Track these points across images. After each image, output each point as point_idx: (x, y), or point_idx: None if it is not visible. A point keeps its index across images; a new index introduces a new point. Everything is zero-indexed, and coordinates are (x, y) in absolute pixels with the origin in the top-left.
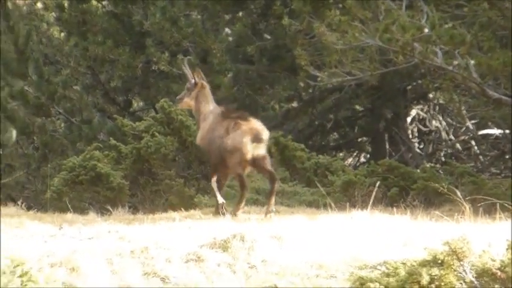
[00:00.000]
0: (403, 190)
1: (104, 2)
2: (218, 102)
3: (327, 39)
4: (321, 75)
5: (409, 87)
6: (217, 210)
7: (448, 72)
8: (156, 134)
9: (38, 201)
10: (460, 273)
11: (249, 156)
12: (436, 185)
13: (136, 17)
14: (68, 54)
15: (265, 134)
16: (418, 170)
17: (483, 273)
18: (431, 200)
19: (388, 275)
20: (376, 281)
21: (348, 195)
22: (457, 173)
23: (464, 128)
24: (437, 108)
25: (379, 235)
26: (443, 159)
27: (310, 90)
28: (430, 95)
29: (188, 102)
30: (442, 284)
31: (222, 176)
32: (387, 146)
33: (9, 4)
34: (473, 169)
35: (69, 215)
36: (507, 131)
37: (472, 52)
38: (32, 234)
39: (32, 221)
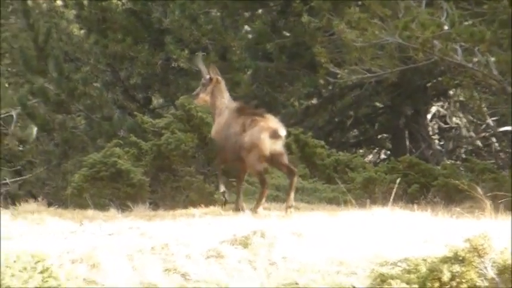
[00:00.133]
0: (424, 187)
1: (123, 0)
2: (238, 99)
3: (347, 37)
4: (341, 73)
5: (429, 84)
6: (237, 207)
7: (468, 69)
8: (176, 130)
9: (59, 198)
10: (481, 270)
11: (267, 152)
12: (457, 181)
13: (155, 15)
14: (88, 51)
15: (283, 130)
16: (439, 167)
17: (504, 270)
18: (452, 196)
19: (409, 272)
20: (397, 278)
21: (369, 192)
22: (478, 170)
23: (484, 125)
24: (457, 105)
25: (399, 232)
26: (463, 156)
27: (330, 87)
28: (451, 92)
29: (204, 97)
30: (463, 280)
31: (240, 172)
32: (407, 143)
33: (29, 2)
34: (493, 166)
35: (90, 212)
36: None
37: (492, 49)
38: (52, 230)
39: (52, 218)
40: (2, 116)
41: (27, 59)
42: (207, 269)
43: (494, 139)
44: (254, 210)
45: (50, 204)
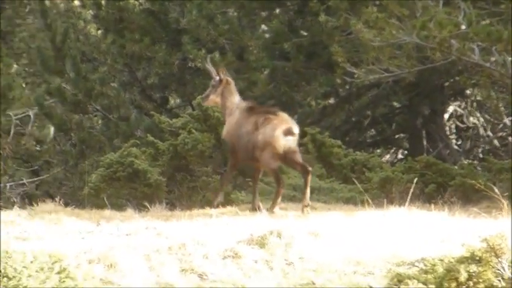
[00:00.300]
0: (441, 187)
1: (140, 0)
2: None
3: (364, 36)
4: (358, 72)
5: (447, 83)
6: (253, 206)
7: (485, 69)
8: (193, 130)
9: (76, 198)
10: (498, 270)
11: (281, 150)
12: (473, 181)
13: (173, 15)
14: (105, 51)
15: (296, 127)
16: (456, 167)
17: None
18: (469, 196)
19: (426, 272)
20: (414, 278)
21: (386, 192)
22: (495, 170)
23: (501, 125)
24: (474, 104)
25: (416, 232)
26: (481, 155)
27: (347, 87)
28: (468, 92)
29: (214, 99)
30: (480, 280)
31: (254, 171)
32: (425, 143)
33: (47, 2)
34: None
35: (107, 212)
36: None
37: (509, 49)
38: (69, 230)
39: (69, 218)
40: (19, 116)
41: (44, 59)
42: (224, 269)
43: (511, 139)
44: (270, 209)
45: (67, 205)
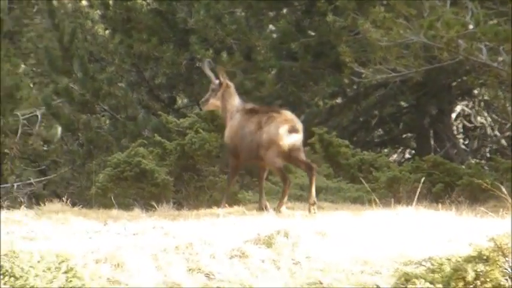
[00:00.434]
0: (448, 186)
1: (148, 0)
2: (262, 99)
3: (372, 36)
4: (366, 72)
5: (454, 83)
6: (260, 206)
7: (492, 68)
8: (200, 130)
9: (83, 198)
10: (505, 269)
11: (285, 148)
12: (480, 181)
13: (180, 15)
14: (113, 51)
15: (300, 125)
16: (463, 166)
17: None
18: (477, 196)
19: (433, 271)
20: (421, 277)
21: (393, 192)
22: (502, 169)
23: (509, 124)
24: (482, 104)
25: (424, 231)
26: (488, 155)
27: (355, 87)
28: (475, 91)
29: (214, 103)
30: (488, 280)
31: (260, 171)
32: (432, 142)
33: (54, 2)
34: None
35: (114, 211)
36: None
37: None
38: (76, 230)
39: (76, 217)
40: (27, 116)
41: (52, 59)
42: (231, 269)
43: None
44: (277, 209)
45: (74, 204)
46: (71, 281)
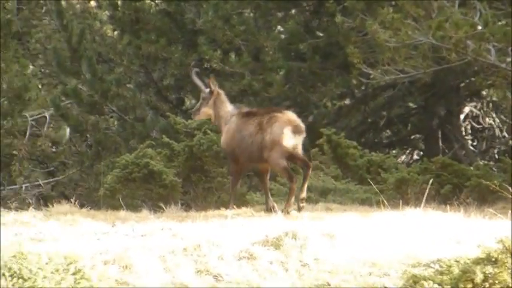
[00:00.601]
0: (457, 187)
1: (156, 1)
2: (270, 100)
3: (380, 37)
4: (374, 73)
5: (462, 84)
6: (267, 207)
7: (501, 69)
8: (209, 131)
9: (91, 199)
10: None
11: (290, 148)
12: (488, 182)
13: (188, 15)
14: (121, 52)
15: (303, 124)
16: (472, 168)
17: None
18: (485, 197)
19: (441, 273)
20: (429, 279)
21: (401, 193)
22: (511, 170)
23: None
24: (490, 105)
25: (432, 233)
26: (496, 156)
27: (363, 88)
28: (483, 92)
29: (206, 111)
30: (496, 282)
31: (262, 173)
32: (440, 144)
33: (63, 3)
34: None
35: (122, 213)
36: None
37: None
38: (85, 231)
39: (85, 219)
40: (35, 117)
41: (60, 60)
42: (239, 270)
43: None
44: (286, 209)
45: (82, 206)
46: (79, 282)
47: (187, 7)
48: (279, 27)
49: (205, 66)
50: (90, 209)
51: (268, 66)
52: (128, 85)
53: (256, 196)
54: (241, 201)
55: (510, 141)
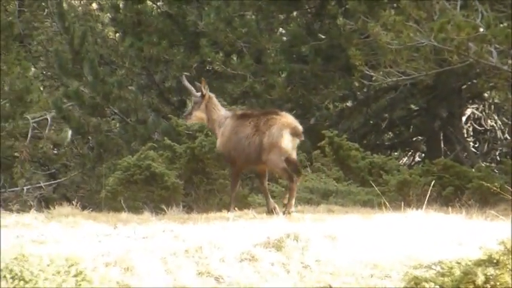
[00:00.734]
0: (458, 189)
1: (158, 3)
2: (272, 102)
3: (382, 39)
4: (376, 75)
5: (464, 86)
6: (268, 209)
7: (503, 71)
8: (210, 133)
9: (93, 201)
10: None
11: (289, 150)
12: (490, 184)
13: (190, 18)
14: (123, 54)
15: (300, 127)
16: (473, 169)
17: None
18: (487, 199)
19: (443, 275)
20: (431, 281)
21: (403, 195)
22: None
23: None
24: (492, 107)
25: (434, 234)
26: (498, 158)
27: (365, 90)
28: (485, 94)
29: (199, 115)
30: (498, 283)
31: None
32: (442, 145)
33: (65, 5)
34: None
35: (124, 215)
36: None
37: None
38: (86, 233)
39: (86, 221)
40: (37, 119)
41: (62, 62)
42: (241, 272)
43: None
44: (287, 210)
45: (84, 208)
46: (80, 284)
47: (189, 9)
48: (281, 29)
49: (208, 68)
50: (91, 211)
51: (270, 69)
52: (130, 87)
53: (258, 198)
54: (243, 203)
55: None
